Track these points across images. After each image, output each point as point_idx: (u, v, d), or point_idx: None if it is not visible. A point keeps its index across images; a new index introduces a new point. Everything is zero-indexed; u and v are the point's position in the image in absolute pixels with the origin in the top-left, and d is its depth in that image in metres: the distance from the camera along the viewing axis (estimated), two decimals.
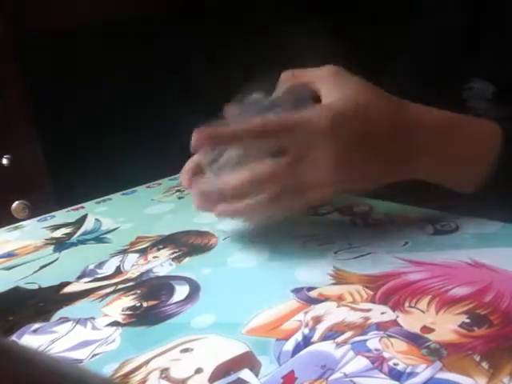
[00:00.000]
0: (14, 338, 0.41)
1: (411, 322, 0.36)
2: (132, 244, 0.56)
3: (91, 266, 0.52)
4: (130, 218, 0.64)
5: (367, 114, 0.45)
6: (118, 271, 0.50)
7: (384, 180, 0.48)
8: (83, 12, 1.06)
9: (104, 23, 1.05)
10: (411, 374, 0.31)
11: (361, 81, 0.47)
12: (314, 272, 0.44)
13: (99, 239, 0.59)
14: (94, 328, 0.41)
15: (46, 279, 0.50)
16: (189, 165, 0.53)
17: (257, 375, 0.33)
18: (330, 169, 0.44)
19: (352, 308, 0.38)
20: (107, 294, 0.46)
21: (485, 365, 0.31)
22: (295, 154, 0.44)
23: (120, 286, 0.47)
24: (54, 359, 0.34)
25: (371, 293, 0.40)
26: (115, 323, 0.41)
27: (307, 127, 0.44)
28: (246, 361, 0.34)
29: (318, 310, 0.39)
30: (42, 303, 0.46)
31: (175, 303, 0.43)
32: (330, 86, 0.47)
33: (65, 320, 0.43)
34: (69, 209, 0.71)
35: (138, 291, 0.46)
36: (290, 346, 0.35)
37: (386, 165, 0.47)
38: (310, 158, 0.44)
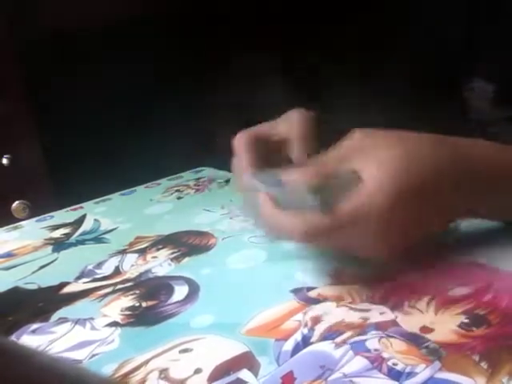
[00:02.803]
0: (13, 338, 0.41)
1: (410, 322, 0.36)
2: (131, 244, 0.56)
3: (90, 267, 0.52)
4: (128, 218, 0.63)
5: (405, 188, 0.40)
6: (117, 271, 0.50)
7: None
8: (83, 12, 1.06)
9: (104, 23, 1.05)
10: (410, 374, 0.31)
11: (393, 145, 0.41)
12: (314, 272, 0.44)
13: (98, 239, 0.59)
14: (93, 328, 0.41)
15: (45, 279, 0.50)
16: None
17: (256, 375, 0.33)
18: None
19: (351, 308, 0.38)
20: (106, 294, 0.46)
21: (484, 364, 0.31)
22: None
23: (119, 286, 0.47)
24: (52, 358, 0.34)
25: (370, 293, 0.40)
26: (114, 323, 0.41)
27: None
28: (245, 361, 0.34)
29: (317, 310, 0.39)
30: (41, 303, 0.46)
31: (174, 303, 0.43)
32: (364, 162, 0.41)
33: (64, 320, 0.43)
34: (68, 209, 0.71)
35: (137, 291, 0.45)
36: (289, 346, 0.35)
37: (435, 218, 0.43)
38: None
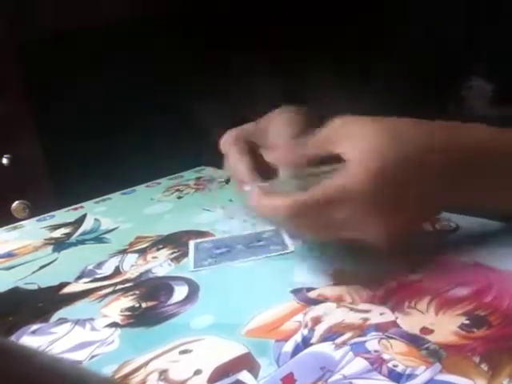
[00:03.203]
0: (12, 338, 0.41)
1: (411, 322, 0.36)
2: (131, 244, 0.56)
3: (90, 267, 0.52)
4: (129, 218, 0.63)
5: (397, 161, 0.39)
6: (117, 271, 0.50)
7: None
8: (83, 12, 1.06)
9: (104, 23, 1.05)
10: (411, 376, 0.31)
11: (375, 127, 0.41)
12: (314, 272, 0.44)
13: (98, 239, 0.59)
14: (93, 329, 0.41)
15: (45, 279, 0.50)
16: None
17: (256, 377, 0.33)
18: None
19: (351, 309, 0.38)
20: (106, 295, 0.46)
21: (484, 366, 0.31)
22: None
23: (119, 287, 0.47)
24: (53, 358, 0.34)
25: (371, 293, 0.40)
26: (114, 324, 0.41)
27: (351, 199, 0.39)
28: (245, 362, 0.34)
29: (317, 310, 0.39)
30: (41, 304, 0.46)
31: (174, 304, 0.43)
32: (348, 143, 0.41)
33: (64, 321, 0.43)
34: (68, 208, 0.71)
35: (137, 292, 0.45)
36: (289, 347, 0.35)
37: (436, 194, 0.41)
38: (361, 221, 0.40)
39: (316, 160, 0.43)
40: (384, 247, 0.41)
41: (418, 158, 0.40)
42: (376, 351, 0.33)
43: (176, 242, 0.55)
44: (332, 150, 0.41)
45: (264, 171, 0.47)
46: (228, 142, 0.49)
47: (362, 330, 0.36)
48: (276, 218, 0.43)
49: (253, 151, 0.48)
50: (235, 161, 0.48)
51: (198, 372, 0.34)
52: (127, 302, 0.44)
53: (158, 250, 0.53)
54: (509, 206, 0.43)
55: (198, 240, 0.54)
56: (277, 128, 0.48)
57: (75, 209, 0.70)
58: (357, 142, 0.40)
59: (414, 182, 0.40)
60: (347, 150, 0.40)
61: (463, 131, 0.42)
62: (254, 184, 0.45)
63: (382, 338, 0.34)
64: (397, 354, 0.33)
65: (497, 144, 0.42)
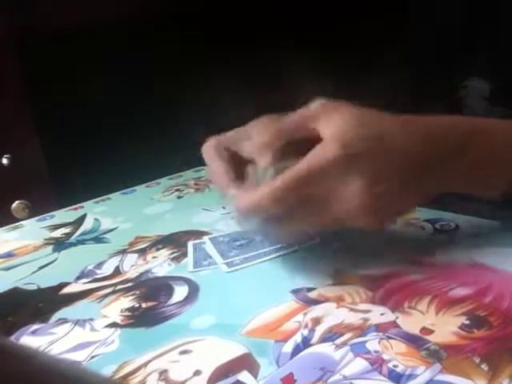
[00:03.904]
0: (12, 339, 0.41)
1: (411, 323, 0.36)
2: (131, 244, 0.56)
3: (90, 267, 0.52)
4: (129, 218, 0.63)
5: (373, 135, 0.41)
6: (117, 271, 0.50)
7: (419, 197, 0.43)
8: (83, 12, 1.06)
9: (104, 23, 1.05)
10: (411, 376, 0.31)
11: (353, 108, 0.43)
12: (314, 272, 0.44)
13: (98, 239, 0.59)
14: (93, 329, 0.41)
15: (45, 280, 0.50)
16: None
17: (256, 377, 0.33)
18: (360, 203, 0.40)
19: (351, 309, 0.38)
20: (106, 295, 0.46)
21: (484, 367, 0.31)
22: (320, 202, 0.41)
23: (119, 287, 0.47)
24: (53, 358, 0.34)
25: (371, 293, 0.40)
26: (114, 324, 0.41)
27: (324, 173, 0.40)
28: (245, 362, 0.34)
29: (317, 311, 0.39)
30: (41, 304, 0.46)
31: (174, 304, 0.42)
32: (326, 119, 0.42)
33: (64, 321, 0.43)
34: (68, 208, 0.71)
35: (137, 292, 0.45)
36: (289, 347, 0.35)
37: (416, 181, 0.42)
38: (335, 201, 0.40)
39: (292, 141, 0.43)
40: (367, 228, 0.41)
41: (392, 138, 0.41)
42: (376, 351, 0.33)
43: (176, 241, 0.55)
44: (310, 126, 0.42)
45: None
46: (209, 150, 0.50)
47: (362, 330, 0.36)
48: (260, 213, 0.42)
49: (234, 159, 0.48)
50: (217, 169, 0.48)
51: (197, 372, 0.34)
52: (127, 302, 0.44)
53: (158, 250, 0.53)
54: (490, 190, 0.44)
55: (197, 241, 0.54)
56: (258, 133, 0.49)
57: (75, 209, 0.70)
58: (334, 118, 0.41)
59: (389, 164, 0.40)
60: (324, 126, 0.41)
61: (443, 121, 0.43)
62: (237, 189, 0.45)
63: (382, 339, 0.34)
64: (397, 354, 0.33)
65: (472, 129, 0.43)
